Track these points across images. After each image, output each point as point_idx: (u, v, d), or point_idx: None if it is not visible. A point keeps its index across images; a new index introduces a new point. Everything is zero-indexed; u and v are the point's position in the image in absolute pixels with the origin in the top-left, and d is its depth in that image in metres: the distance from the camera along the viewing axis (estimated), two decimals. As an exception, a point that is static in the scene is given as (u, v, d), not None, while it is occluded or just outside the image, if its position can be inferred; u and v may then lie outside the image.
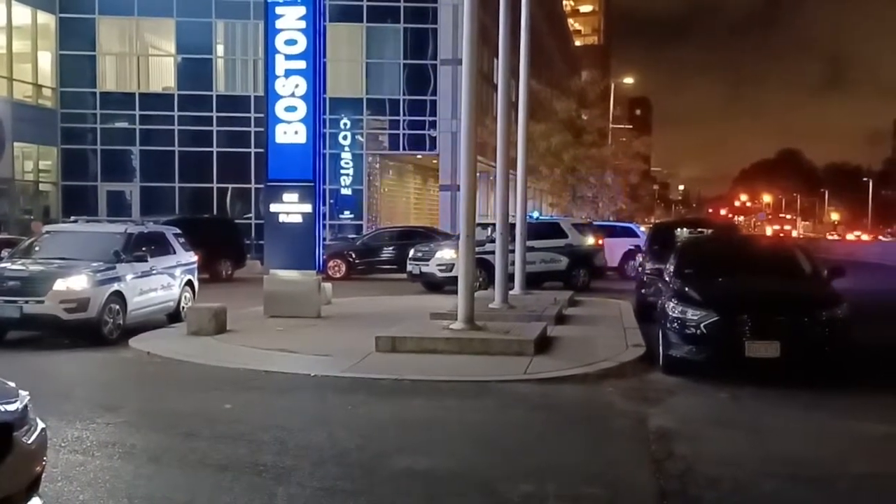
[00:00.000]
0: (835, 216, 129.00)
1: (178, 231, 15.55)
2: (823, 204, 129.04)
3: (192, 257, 15.34)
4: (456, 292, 12.08)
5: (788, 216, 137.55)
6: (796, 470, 6.25)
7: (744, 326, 9.30)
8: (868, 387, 9.35)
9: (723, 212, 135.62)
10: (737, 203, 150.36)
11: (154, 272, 13.63)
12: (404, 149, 38.90)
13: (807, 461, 6.51)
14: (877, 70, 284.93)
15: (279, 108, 14.73)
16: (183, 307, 14.24)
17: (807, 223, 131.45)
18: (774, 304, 9.61)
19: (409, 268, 22.44)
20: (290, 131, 14.70)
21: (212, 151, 36.31)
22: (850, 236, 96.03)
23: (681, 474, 6.10)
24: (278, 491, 5.67)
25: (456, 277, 12.29)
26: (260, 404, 8.46)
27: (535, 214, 28.46)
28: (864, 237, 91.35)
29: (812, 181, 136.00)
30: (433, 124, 37.96)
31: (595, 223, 29.11)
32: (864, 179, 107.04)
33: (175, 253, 14.65)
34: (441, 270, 20.96)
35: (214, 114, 36.29)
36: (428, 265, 21.53)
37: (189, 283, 14.91)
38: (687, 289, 10.21)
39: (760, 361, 9.27)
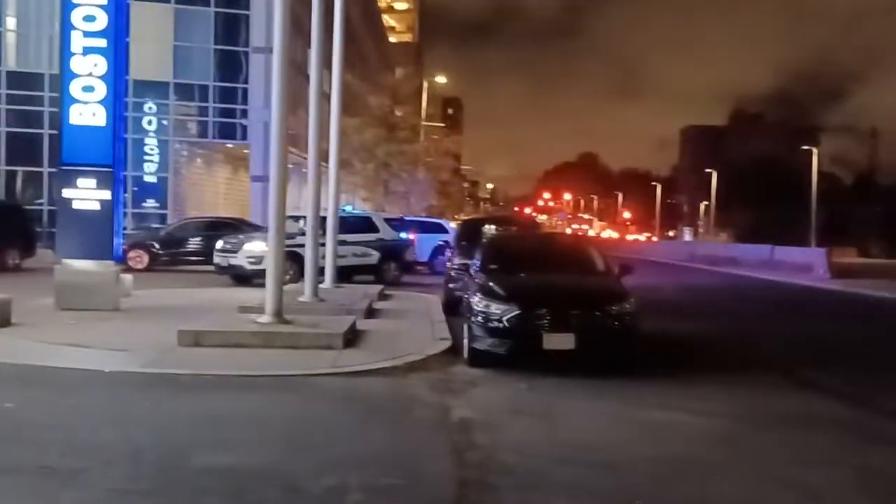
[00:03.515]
0: (627, 214, 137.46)
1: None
2: (617, 205, 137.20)
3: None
4: (265, 285, 11.87)
5: (587, 216, 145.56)
6: (587, 455, 6.63)
7: (542, 320, 9.79)
8: (651, 375, 10.05)
9: (528, 210, 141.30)
10: (540, 202, 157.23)
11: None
12: (214, 137, 37.74)
13: (596, 447, 6.90)
14: (665, 80, 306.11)
15: (75, 88, 13.91)
16: (-39, 299, 13.06)
17: (603, 223, 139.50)
18: (570, 298, 10.14)
19: (216, 260, 21.81)
20: (88, 112, 13.91)
21: (0, 132, 33.65)
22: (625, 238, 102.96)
23: (479, 463, 6.31)
24: (64, 494, 5.34)
25: (265, 270, 12.06)
26: (46, 402, 7.92)
27: (348, 208, 28.43)
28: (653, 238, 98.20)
29: (608, 183, 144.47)
30: (245, 113, 37.05)
31: (406, 218, 29.49)
32: (653, 184, 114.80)
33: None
34: (250, 263, 20.50)
35: (4, 91, 33.67)
36: (236, 257, 21.01)
37: (-32, 273, 13.73)
38: (491, 283, 10.57)
39: (558, 353, 9.76)
